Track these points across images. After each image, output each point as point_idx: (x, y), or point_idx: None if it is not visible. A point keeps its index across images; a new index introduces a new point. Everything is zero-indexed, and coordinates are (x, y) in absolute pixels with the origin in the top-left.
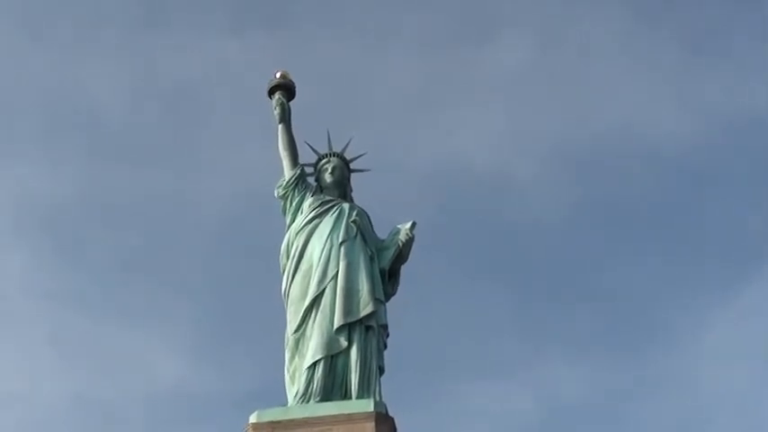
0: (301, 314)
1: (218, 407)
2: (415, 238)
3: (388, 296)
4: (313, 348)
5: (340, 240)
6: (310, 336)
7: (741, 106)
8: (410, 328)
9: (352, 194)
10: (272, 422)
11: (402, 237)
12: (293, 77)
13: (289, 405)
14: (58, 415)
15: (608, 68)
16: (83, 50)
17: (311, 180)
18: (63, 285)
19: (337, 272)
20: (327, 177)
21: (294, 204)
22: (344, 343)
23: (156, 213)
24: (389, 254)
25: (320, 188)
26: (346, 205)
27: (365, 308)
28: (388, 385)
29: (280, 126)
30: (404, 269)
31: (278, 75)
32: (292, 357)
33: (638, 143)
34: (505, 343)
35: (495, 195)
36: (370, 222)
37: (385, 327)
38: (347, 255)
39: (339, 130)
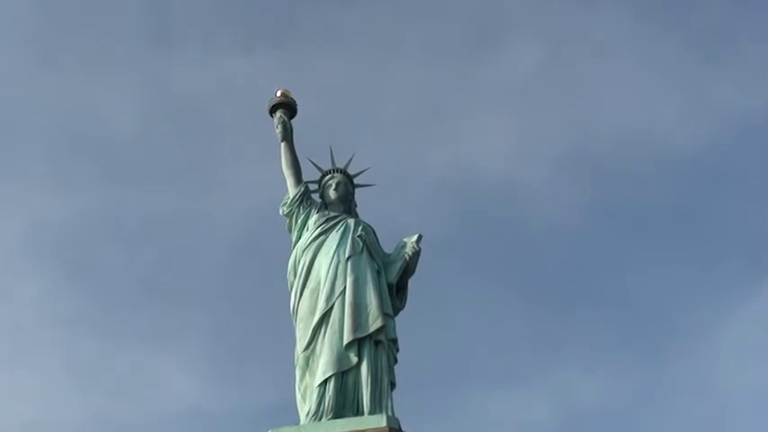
0: (310, 331)
1: (235, 425)
2: (429, 248)
3: (396, 310)
4: (323, 366)
5: (346, 256)
6: (320, 353)
7: (753, 108)
8: (425, 339)
9: (357, 209)
10: None
11: (408, 250)
12: (303, 94)
13: (301, 423)
14: None
15: (618, 73)
16: (94, 73)
17: (316, 197)
18: (77, 309)
19: (345, 288)
20: (332, 193)
21: (299, 221)
22: (354, 359)
23: (170, 234)
24: (396, 268)
25: (325, 204)
26: (351, 221)
27: (374, 323)
28: (404, 397)
29: (282, 144)
30: (417, 279)
31: (279, 93)
32: (303, 375)
33: (651, 146)
34: (521, 351)
35: (507, 202)
36: (376, 237)
37: (395, 341)
38: (354, 270)
39: (349, 143)
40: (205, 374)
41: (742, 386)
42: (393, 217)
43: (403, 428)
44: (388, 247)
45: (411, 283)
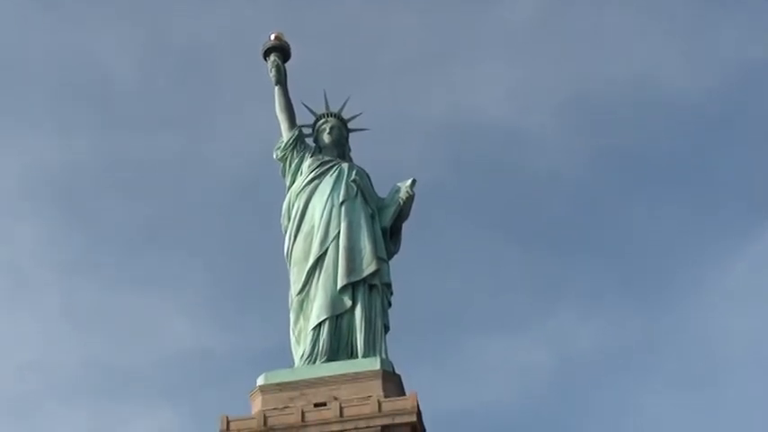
0: (304, 275)
1: (233, 367)
2: (428, 192)
3: (390, 254)
4: (317, 309)
5: (340, 200)
6: (314, 296)
7: (755, 56)
8: (424, 283)
9: (352, 154)
10: (280, 383)
11: (402, 195)
12: (302, 38)
13: (295, 366)
14: (75, 381)
15: (621, 19)
16: (94, 17)
17: (310, 141)
18: (76, 253)
19: (339, 232)
20: (326, 138)
21: (293, 166)
22: (349, 302)
23: (169, 179)
24: (390, 212)
25: (319, 148)
26: (345, 165)
27: (368, 267)
28: (402, 341)
29: (276, 88)
30: (416, 224)
31: (273, 36)
32: (297, 319)
33: (652, 93)
34: (519, 296)
35: (507, 148)
36: (370, 181)
37: (388, 285)
38: (348, 214)
39: (347, 87)
40: (203, 318)
41: (739, 331)
42: (392, 161)
43: (397, 371)
44: (385, 191)
45: (410, 227)
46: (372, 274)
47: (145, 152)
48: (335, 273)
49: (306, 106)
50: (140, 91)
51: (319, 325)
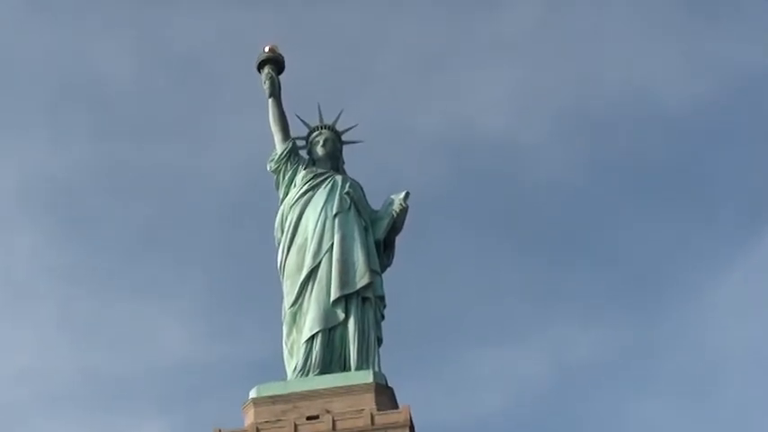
0: (297, 287)
1: (227, 379)
2: (425, 203)
3: (383, 267)
4: (310, 322)
5: (334, 212)
6: (307, 309)
7: (751, 66)
8: (421, 295)
9: (345, 166)
10: (273, 396)
11: (396, 207)
12: (298, 48)
13: (288, 379)
14: (70, 390)
15: (619, 30)
16: (91, 24)
17: (303, 153)
18: (73, 262)
19: (332, 244)
20: (319, 150)
21: (287, 178)
22: (342, 315)
23: (166, 187)
24: (383, 225)
25: (312, 161)
26: (339, 177)
27: (361, 279)
28: (398, 354)
29: (270, 100)
30: (413, 235)
31: (267, 49)
32: (290, 331)
33: (650, 102)
34: (517, 306)
35: (506, 158)
36: (364, 194)
37: (382, 298)
38: (341, 227)
39: (343, 98)
40: (199, 328)
41: (737, 340)
42: (388, 171)
43: (390, 384)
44: (381, 202)
45: (406, 237)
46: (365, 287)
47: (142, 159)
48: (329, 285)
49: (299, 118)
50: (138, 97)
51: (312, 337)
